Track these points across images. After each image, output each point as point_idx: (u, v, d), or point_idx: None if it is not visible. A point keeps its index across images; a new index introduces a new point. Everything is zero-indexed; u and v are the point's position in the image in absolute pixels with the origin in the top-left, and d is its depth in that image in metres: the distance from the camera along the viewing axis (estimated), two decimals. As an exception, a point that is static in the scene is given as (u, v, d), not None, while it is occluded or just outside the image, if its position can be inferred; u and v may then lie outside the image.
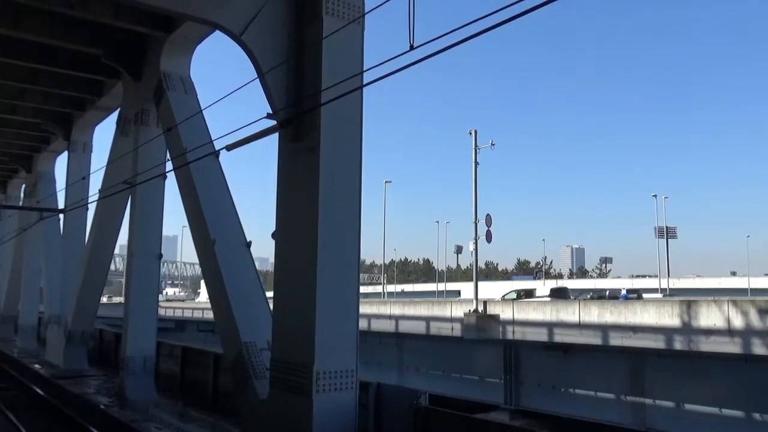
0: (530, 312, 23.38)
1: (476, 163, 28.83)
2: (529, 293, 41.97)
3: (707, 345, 17.63)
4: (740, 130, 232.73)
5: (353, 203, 8.06)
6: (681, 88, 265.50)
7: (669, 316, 18.71)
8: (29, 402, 14.56)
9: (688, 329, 18.11)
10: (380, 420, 7.79)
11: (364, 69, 7.81)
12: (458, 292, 76.16)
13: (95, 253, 15.47)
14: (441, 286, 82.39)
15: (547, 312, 22.61)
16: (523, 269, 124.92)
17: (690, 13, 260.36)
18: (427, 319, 26.91)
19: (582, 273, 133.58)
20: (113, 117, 16.40)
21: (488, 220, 29.45)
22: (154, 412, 11.19)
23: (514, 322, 23.30)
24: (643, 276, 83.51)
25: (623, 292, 43.40)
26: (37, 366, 17.43)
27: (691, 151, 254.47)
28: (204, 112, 11.22)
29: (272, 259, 9.30)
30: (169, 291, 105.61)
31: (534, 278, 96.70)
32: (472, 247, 29.35)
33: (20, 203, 25.49)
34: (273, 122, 8.07)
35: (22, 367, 18.02)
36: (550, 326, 22.06)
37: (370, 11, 7.68)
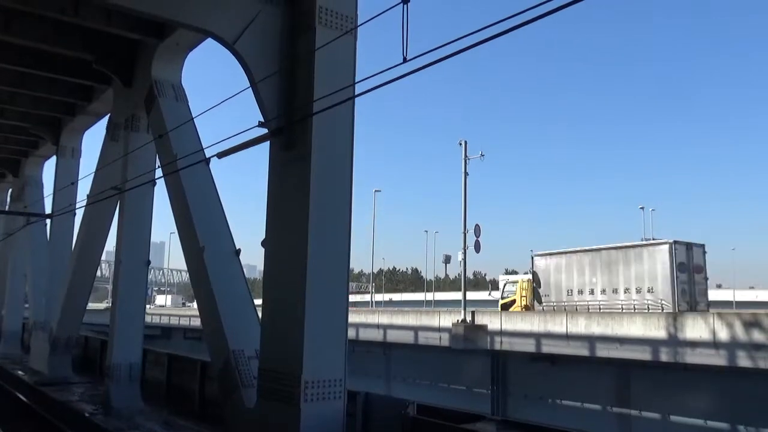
0: (518, 322, 23.46)
1: (466, 173, 28.97)
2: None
3: (693, 357, 17.78)
4: (727, 143, 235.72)
5: (343, 212, 8.08)
6: (669, 99, 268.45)
7: (655, 328, 18.85)
8: (12, 409, 14.38)
9: (673, 341, 18.26)
10: (368, 430, 7.79)
11: (357, 80, 7.87)
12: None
13: (82, 259, 15.35)
14: (429, 296, 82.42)
15: (535, 323, 22.70)
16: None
17: (680, 24, 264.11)
18: (415, 329, 26.91)
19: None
20: (103, 122, 16.37)
21: (477, 231, 29.54)
22: (140, 421, 11.09)
23: (502, 333, 23.36)
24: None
25: None
26: (20, 372, 17.22)
27: (677, 163, 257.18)
28: (195, 119, 11.22)
29: (261, 267, 9.29)
30: (159, 299, 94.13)
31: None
32: (460, 257, 29.44)
33: (6, 207, 25.26)
34: (265, 130, 8.10)
35: (5, 374, 17.79)
36: (538, 337, 22.14)
37: (364, 23, 7.75)
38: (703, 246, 28.04)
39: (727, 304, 63.71)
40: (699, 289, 27.13)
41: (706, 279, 27.80)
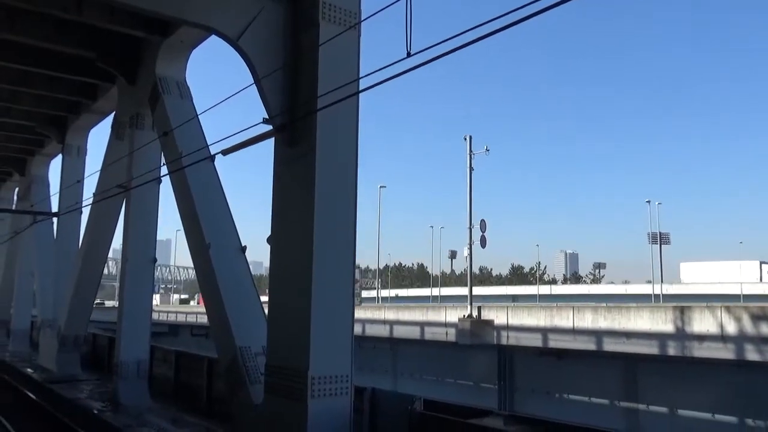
0: (524, 317, 23.40)
1: (471, 168, 28.92)
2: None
3: (700, 351, 17.70)
4: (735, 137, 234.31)
5: (348, 208, 8.06)
6: (676, 93, 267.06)
7: (662, 322, 18.77)
8: (21, 406, 14.47)
9: (681, 335, 18.18)
10: (375, 425, 7.78)
11: (361, 75, 7.83)
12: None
13: (89, 257, 15.40)
14: (435, 291, 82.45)
15: (542, 317, 22.64)
16: (517, 274, 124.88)
17: (691, 15, 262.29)
18: (422, 324, 26.90)
19: (576, 278, 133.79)
20: (108, 120, 16.38)
21: (483, 226, 29.52)
22: (148, 417, 11.14)
23: (508, 328, 23.32)
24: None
25: None
26: (29, 370, 17.30)
27: (685, 157, 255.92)
28: (200, 116, 11.20)
29: (267, 263, 9.28)
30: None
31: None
32: (466, 252, 29.44)
33: (13, 206, 25.35)
34: (269, 127, 8.08)
35: (15, 371, 17.90)
36: (545, 332, 22.09)
37: (367, 18, 7.71)
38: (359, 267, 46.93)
39: (734, 297, 63.48)
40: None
41: (361, 287, 47.42)
